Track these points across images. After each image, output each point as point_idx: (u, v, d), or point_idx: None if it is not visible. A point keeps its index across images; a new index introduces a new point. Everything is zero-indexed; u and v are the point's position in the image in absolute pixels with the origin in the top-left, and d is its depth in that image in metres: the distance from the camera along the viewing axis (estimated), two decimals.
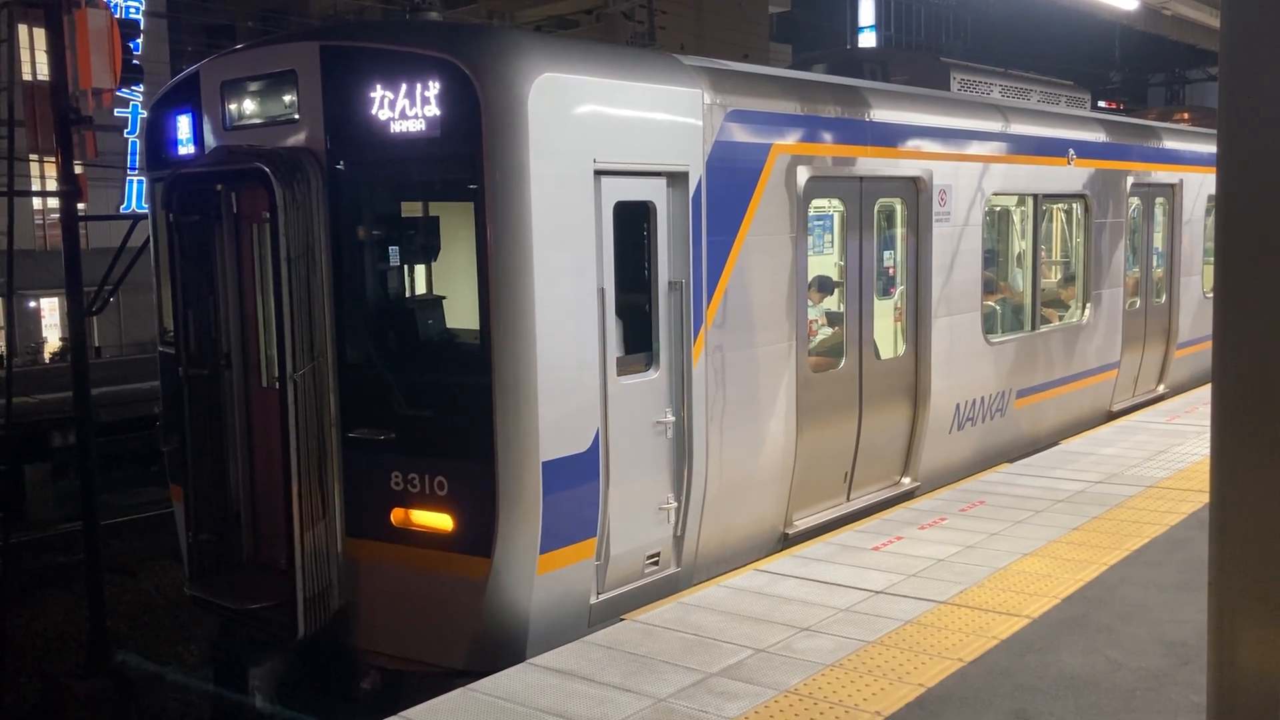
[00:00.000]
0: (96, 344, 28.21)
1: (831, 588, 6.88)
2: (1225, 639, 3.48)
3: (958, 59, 12.07)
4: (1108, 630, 6.14)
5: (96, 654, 11.46)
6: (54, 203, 23.44)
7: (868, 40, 48.75)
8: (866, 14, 48.96)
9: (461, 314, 6.77)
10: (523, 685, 5.57)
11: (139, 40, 15.12)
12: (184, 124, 7.40)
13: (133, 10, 29.60)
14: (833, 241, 9.13)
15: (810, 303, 8.79)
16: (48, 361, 29.53)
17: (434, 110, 6.19)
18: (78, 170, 12.38)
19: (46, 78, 13.02)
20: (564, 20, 35.13)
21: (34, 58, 31.09)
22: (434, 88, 6.17)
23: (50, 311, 34.18)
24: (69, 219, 12.06)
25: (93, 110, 12.42)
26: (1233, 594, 3.47)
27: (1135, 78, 41.18)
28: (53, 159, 12.64)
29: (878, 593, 6.79)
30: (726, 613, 6.50)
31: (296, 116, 6.72)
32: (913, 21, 57.46)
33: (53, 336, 33.53)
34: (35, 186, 30.40)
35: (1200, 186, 14.37)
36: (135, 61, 13.53)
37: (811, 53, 15.71)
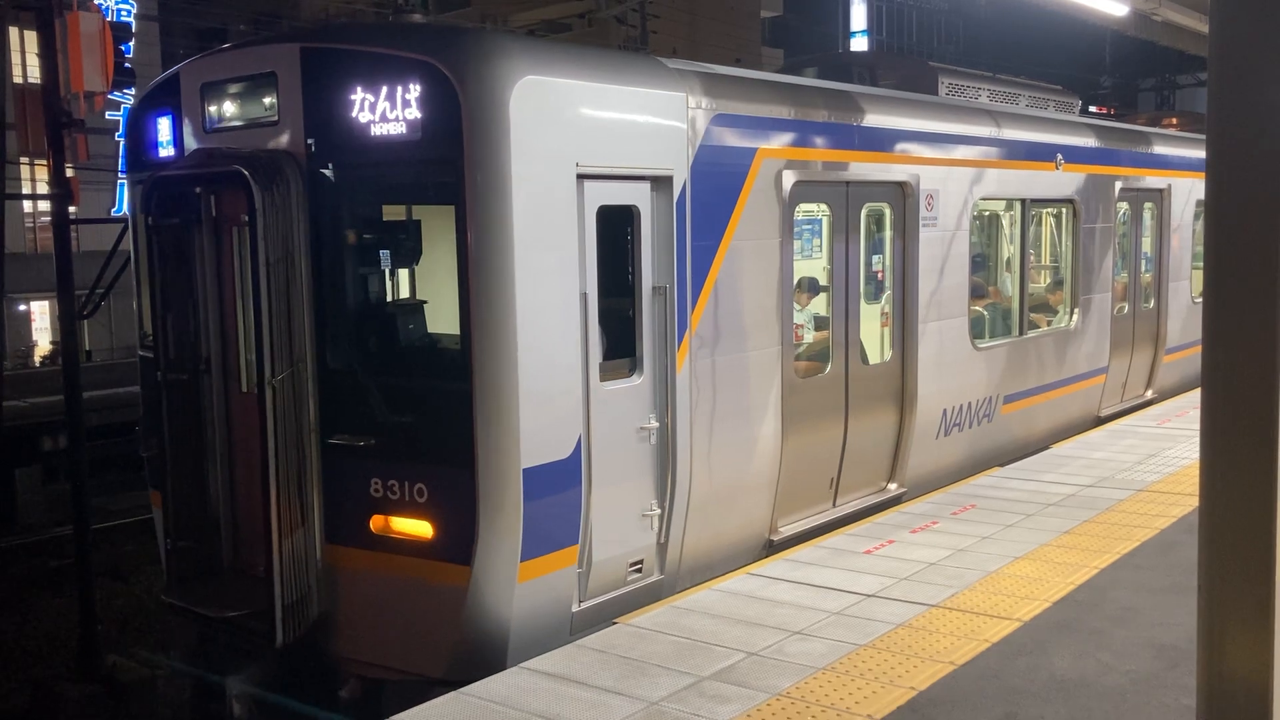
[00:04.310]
0: (87, 347, 28.12)
1: (823, 591, 6.89)
2: (1214, 642, 3.53)
3: (949, 64, 12.04)
4: (1098, 633, 6.17)
5: (87, 658, 11.42)
6: (45, 205, 23.40)
7: (860, 45, 48.75)
8: (858, 19, 48.97)
9: (442, 319, 6.72)
10: (514, 689, 5.58)
11: (130, 43, 15.11)
12: (164, 126, 7.35)
13: (124, 13, 29.54)
14: (820, 246, 9.09)
15: (797, 306, 8.74)
16: (38, 365, 29.45)
17: (415, 113, 6.13)
18: (69, 173, 12.35)
19: (37, 80, 13.00)
20: (556, 24, 35.07)
21: (25, 60, 31.04)
22: (415, 90, 6.12)
23: (41, 315, 34.14)
24: (60, 222, 12.04)
25: (84, 113, 12.42)
26: (1222, 597, 3.51)
27: (1126, 83, 41.31)
28: (44, 162, 12.61)
29: (869, 596, 6.79)
30: (719, 616, 6.51)
31: (277, 119, 6.66)
32: (905, 26, 57.51)
33: (43, 340, 33.47)
34: (26, 189, 30.29)
35: (1189, 191, 14.36)
36: (127, 64, 13.55)
37: (801, 57, 15.68)
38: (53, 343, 30.86)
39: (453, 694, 5.53)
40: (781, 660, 5.85)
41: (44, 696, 11.31)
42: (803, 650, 5.98)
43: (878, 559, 7.50)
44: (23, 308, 33.99)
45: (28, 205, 32.54)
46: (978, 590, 6.85)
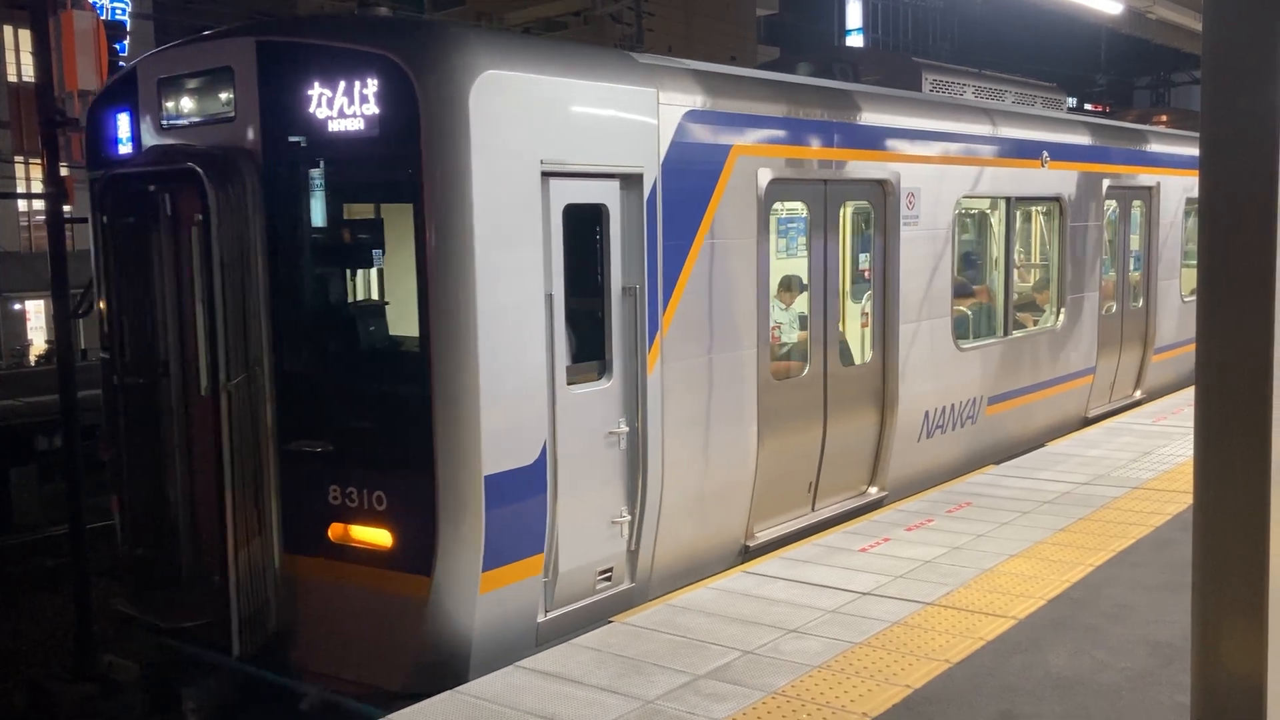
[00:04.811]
0: (82, 346, 27.99)
1: (818, 589, 6.86)
2: (1209, 639, 3.56)
3: (941, 61, 11.88)
4: (1093, 631, 6.16)
5: (83, 658, 11.31)
6: (39, 204, 23.29)
7: (855, 43, 48.70)
8: (854, 17, 49.03)
9: (402, 321, 6.54)
10: (510, 687, 5.53)
11: (125, 42, 15.03)
12: (122, 122, 7.17)
13: (119, 12, 29.52)
14: (802, 244, 8.92)
15: (781, 305, 8.58)
16: (33, 364, 29.34)
17: (372, 108, 5.97)
18: (64, 172, 12.27)
19: (31, 79, 12.90)
20: (552, 22, 34.92)
21: (19, 59, 30.96)
22: (372, 85, 5.95)
23: (36, 314, 34.09)
24: (54, 221, 11.93)
25: (78, 112, 12.30)
26: (1216, 595, 3.54)
27: (1121, 81, 41.16)
28: (38, 161, 12.50)
29: (865, 594, 6.76)
30: (714, 614, 6.48)
31: (233, 114, 6.50)
32: (899, 24, 57.50)
33: (38, 339, 33.39)
34: (20, 188, 30.17)
35: (1179, 189, 14.18)
36: (121, 63, 13.43)
37: (786, 55, 15.55)
38: (48, 342, 30.77)
39: (448, 693, 5.50)
40: (777, 658, 5.83)
41: (39, 696, 11.22)
42: (798, 648, 5.96)
43: (873, 557, 7.46)
44: (18, 307, 33.93)
45: (22, 204, 32.48)
46: (973, 588, 6.82)
